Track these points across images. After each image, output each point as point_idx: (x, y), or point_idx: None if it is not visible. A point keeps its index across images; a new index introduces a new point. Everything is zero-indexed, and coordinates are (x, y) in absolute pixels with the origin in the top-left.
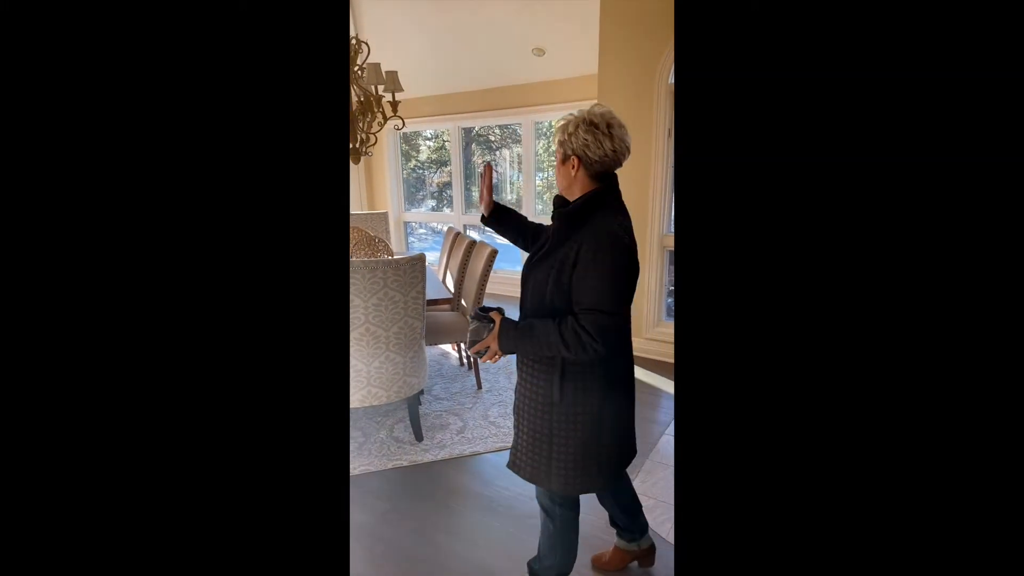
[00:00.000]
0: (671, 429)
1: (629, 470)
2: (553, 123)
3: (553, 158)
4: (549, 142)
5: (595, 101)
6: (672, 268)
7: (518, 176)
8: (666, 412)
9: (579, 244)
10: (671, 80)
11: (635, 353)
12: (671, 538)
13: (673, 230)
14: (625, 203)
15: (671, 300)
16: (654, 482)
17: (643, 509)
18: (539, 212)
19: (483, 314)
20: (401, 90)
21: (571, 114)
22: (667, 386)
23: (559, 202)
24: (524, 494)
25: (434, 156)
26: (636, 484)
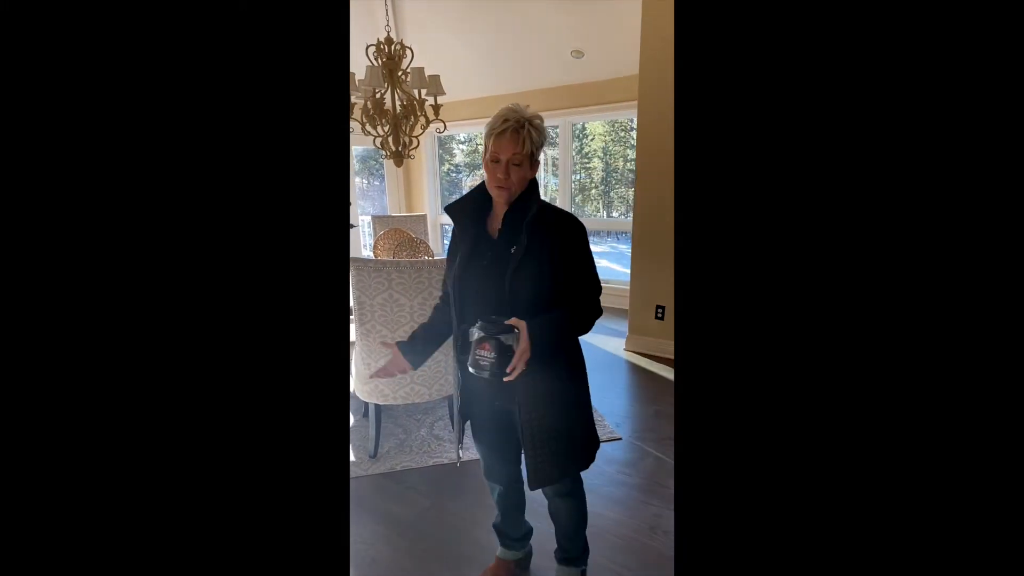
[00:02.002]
0: None
1: (668, 472)
2: (587, 125)
3: (588, 160)
4: (583, 144)
5: (635, 103)
6: None
7: (553, 179)
8: None
9: (560, 235)
10: None
11: (656, 353)
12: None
13: None
14: (667, 205)
15: None
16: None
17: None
18: (579, 214)
19: (495, 327)
20: (443, 93)
21: (516, 113)
22: None
23: (499, 197)
24: None
25: (467, 160)
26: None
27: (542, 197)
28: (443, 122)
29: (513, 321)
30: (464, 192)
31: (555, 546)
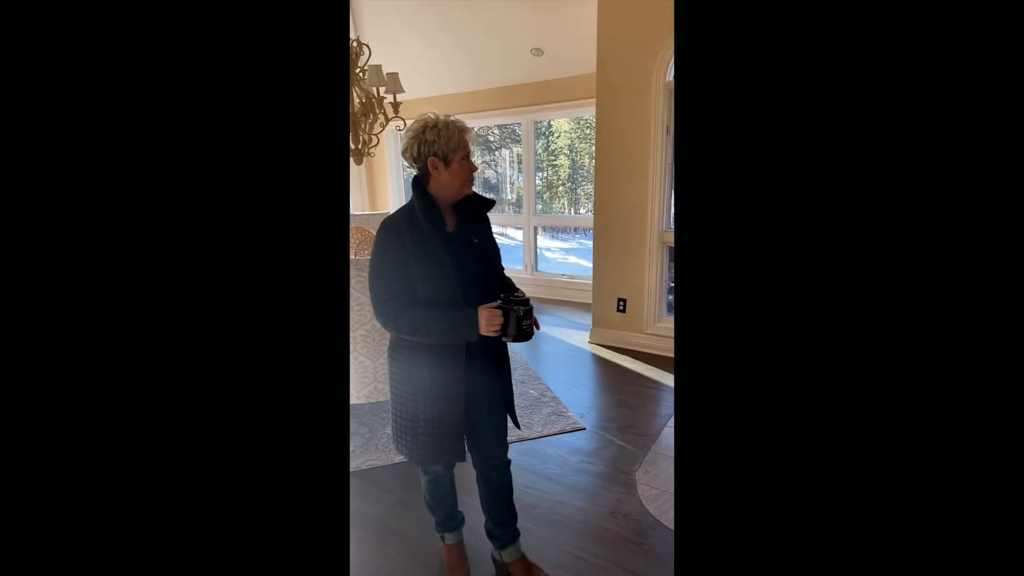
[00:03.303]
0: (672, 422)
1: (630, 460)
2: (553, 122)
3: (555, 157)
4: (549, 141)
5: (594, 100)
6: (672, 265)
7: (518, 176)
8: (667, 405)
9: (487, 223)
10: (668, 78)
11: (637, 348)
12: (673, 527)
13: (672, 227)
14: (626, 200)
15: (671, 296)
16: (656, 473)
17: (643, 499)
18: (539, 211)
19: (514, 298)
20: (402, 91)
21: (450, 119)
22: (668, 380)
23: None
24: (523, 484)
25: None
26: (638, 475)
27: (508, 196)
28: (403, 119)
29: (521, 292)
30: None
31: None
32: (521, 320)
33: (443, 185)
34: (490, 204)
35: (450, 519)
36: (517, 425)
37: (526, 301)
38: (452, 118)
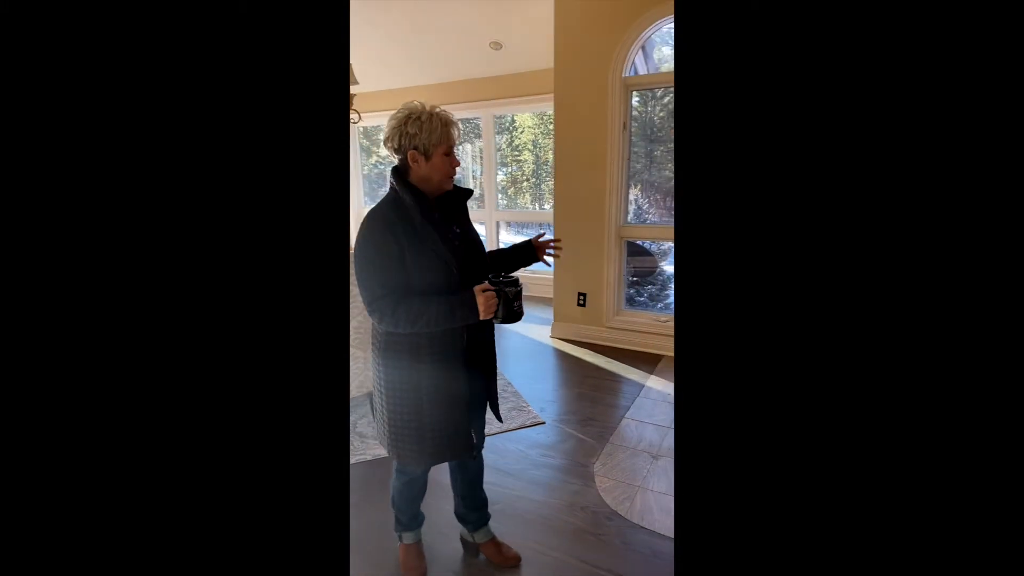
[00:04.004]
0: (631, 413)
1: (588, 452)
2: (516, 118)
3: (519, 152)
4: (512, 136)
5: (552, 95)
6: (630, 259)
7: (480, 170)
8: (625, 397)
9: (467, 212)
10: (625, 74)
11: (597, 341)
12: (632, 517)
13: (629, 221)
14: (585, 196)
15: (630, 290)
16: (614, 464)
17: (600, 491)
18: (503, 206)
19: (504, 280)
20: (356, 83)
21: (436, 111)
22: (627, 372)
23: (408, 178)
24: (484, 481)
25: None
26: (596, 467)
27: (472, 187)
28: (357, 112)
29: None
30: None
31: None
32: (512, 301)
33: (422, 179)
34: (468, 194)
35: (414, 519)
36: (499, 418)
37: (515, 282)
38: (438, 110)
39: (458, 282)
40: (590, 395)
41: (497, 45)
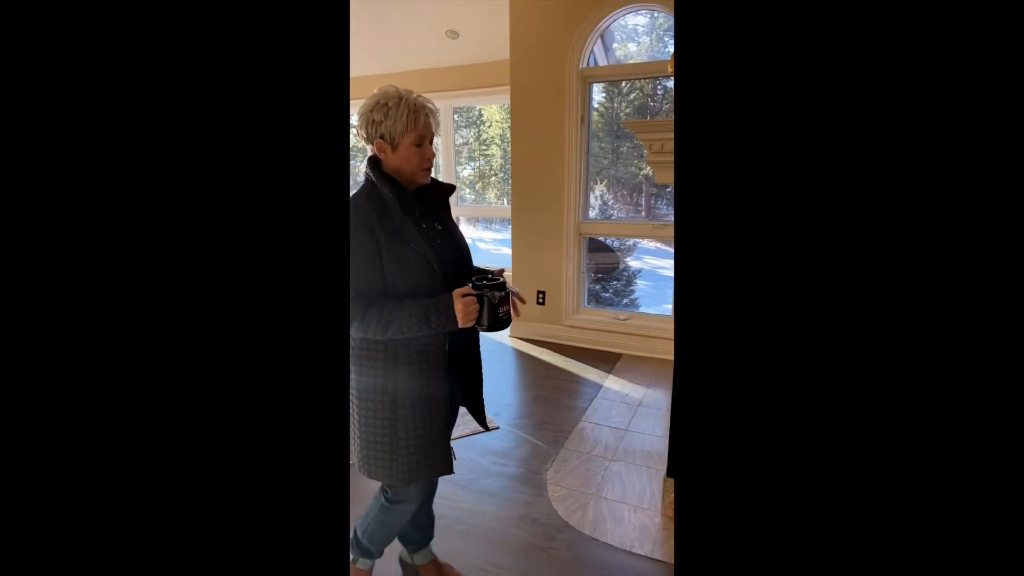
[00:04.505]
0: (587, 415)
1: (542, 458)
2: (484, 112)
3: (486, 147)
4: (480, 130)
5: (509, 88)
6: (590, 256)
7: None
8: (583, 399)
9: (448, 208)
10: (583, 65)
11: (557, 340)
12: (584, 528)
13: (589, 218)
14: (543, 191)
15: (596, 286)
16: (567, 471)
17: (552, 500)
18: (472, 201)
19: (488, 283)
20: None
21: (407, 97)
22: (585, 372)
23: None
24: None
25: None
26: (549, 474)
27: (436, 178)
28: None
29: (499, 273)
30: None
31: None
32: (496, 307)
33: (393, 170)
34: (450, 190)
35: (381, 549)
36: (485, 427)
37: (501, 285)
38: (411, 96)
39: (441, 284)
40: (547, 397)
41: (453, 34)
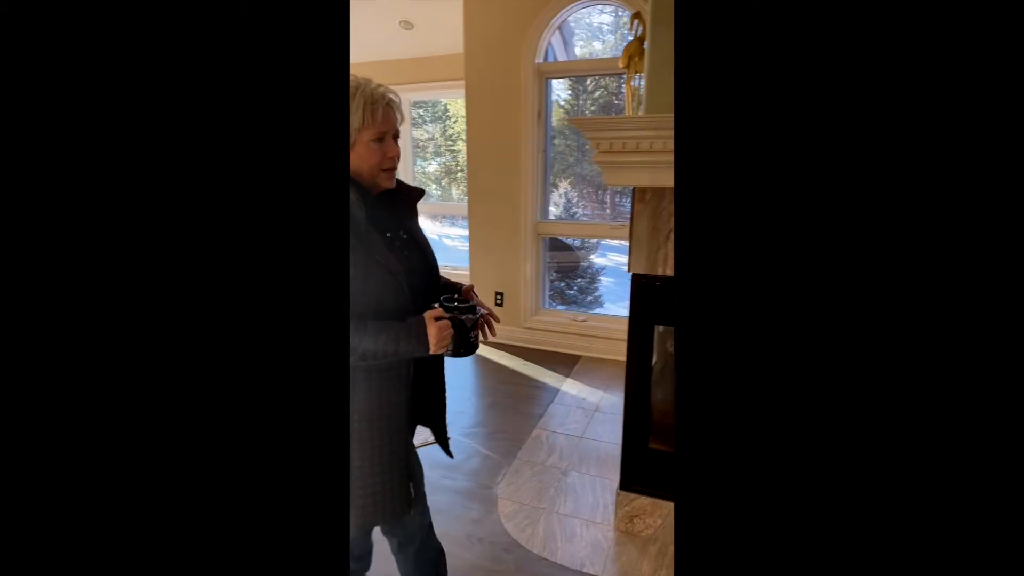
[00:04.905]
0: (543, 422)
1: (493, 470)
2: (450, 106)
3: (452, 142)
4: (446, 126)
5: (463, 81)
6: (549, 255)
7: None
8: (539, 404)
9: (416, 216)
10: (538, 60)
11: (515, 343)
12: (533, 546)
13: (548, 217)
14: (500, 189)
15: (561, 283)
16: (519, 485)
17: (502, 517)
18: (438, 198)
19: (460, 306)
20: None
21: (366, 88)
22: (543, 376)
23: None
24: None
25: None
26: (500, 488)
27: (400, 177)
28: None
29: (470, 291)
30: None
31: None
32: (468, 331)
33: (352, 172)
34: (418, 194)
35: None
36: (448, 453)
37: (473, 308)
38: (370, 86)
39: (408, 303)
40: (502, 403)
41: (408, 24)
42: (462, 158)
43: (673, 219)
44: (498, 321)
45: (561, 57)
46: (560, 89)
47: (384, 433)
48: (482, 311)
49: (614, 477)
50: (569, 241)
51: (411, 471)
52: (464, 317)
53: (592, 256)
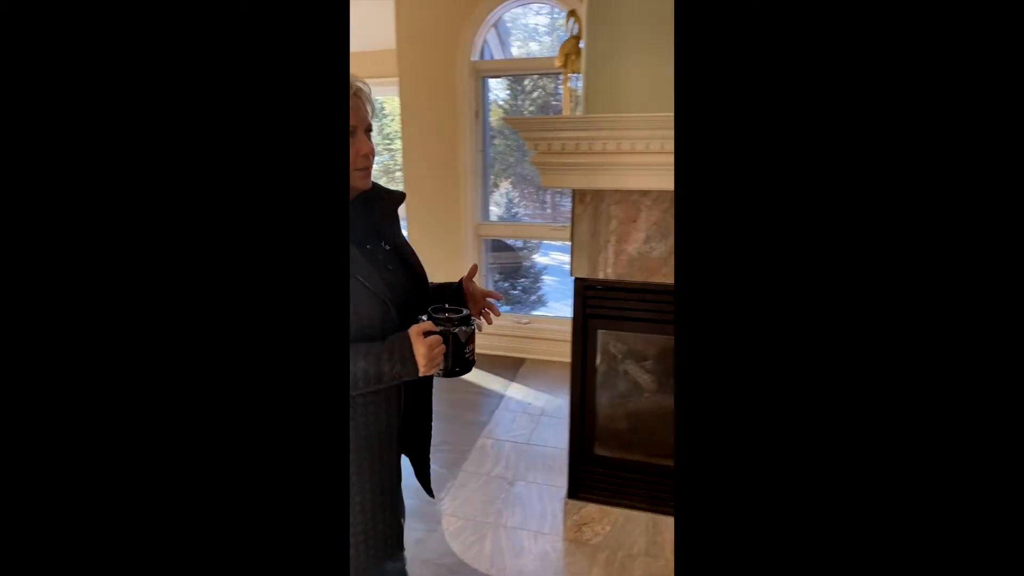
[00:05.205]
0: (488, 430)
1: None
2: (386, 104)
3: (391, 141)
4: (383, 124)
5: (397, 79)
6: (491, 256)
7: None
8: (484, 412)
9: (398, 222)
10: (473, 57)
11: None
12: (480, 564)
13: (488, 219)
14: (438, 190)
15: (505, 283)
16: (465, 499)
17: (446, 535)
18: None
19: (452, 316)
20: None
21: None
22: (487, 381)
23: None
24: None
25: None
26: (445, 503)
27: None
28: None
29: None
30: None
31: None
32: (463, 346)
33: None
34: (399, 198)
35: None
36: (430, 493)
37: (467, 318)
38: None
39: (396, 324)
40: (446, 413)
41: None
42: (400, 157)
43: (613, 222)
44: (498, 315)
45: (498, 56)
46: (498, 88)
47: (374, 468)
48: (476, 322)
49: (562, 483)
50: (511, 241)
51: (402, 509)
52: (457, 330)
53: (535, 256)
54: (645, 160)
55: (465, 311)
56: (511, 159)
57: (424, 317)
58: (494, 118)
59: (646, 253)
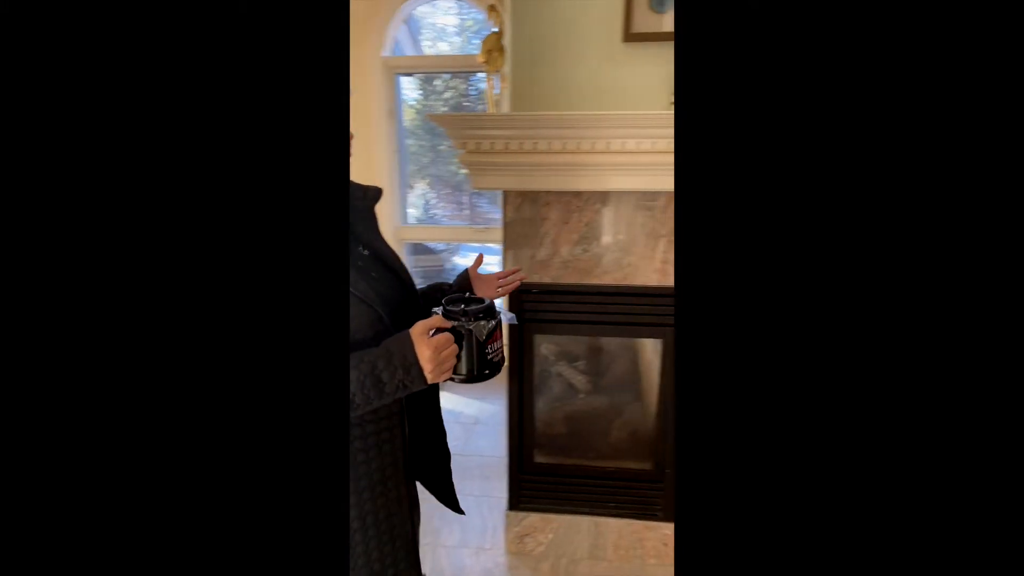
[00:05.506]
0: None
1: None
2: None
3: None
4: None
5: None
6: (414, 259)
7: None
8: None
9: (375, 222)
10: (385, 53)
11: None
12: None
13: (408, 222)
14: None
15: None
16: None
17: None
18: None
19: (469, 308)
20: None
21: None
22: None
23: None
24: None
25: None
26: None
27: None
28: None
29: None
30: None
31: None
32: (484, 345)
33: None
34: (375, 195)
35: None
36: (458, 510)
37: (490, 308)
38: None
39: (391, 332)
40: None
41: None
42: None
43: (546, 223)
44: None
45: (409, 51)
46: (409, 88)
47: (381, 507)
48: (506, 316)
49: (500, 493)
50: (431, 244)
51: (417, 552)
52: (474, 325)
53: (455, 258)
54: (583, 160)
55: (488, 301)
56: (425, 160)
57: (437, 310)
58: (406, 119)
59: (579, 255)
